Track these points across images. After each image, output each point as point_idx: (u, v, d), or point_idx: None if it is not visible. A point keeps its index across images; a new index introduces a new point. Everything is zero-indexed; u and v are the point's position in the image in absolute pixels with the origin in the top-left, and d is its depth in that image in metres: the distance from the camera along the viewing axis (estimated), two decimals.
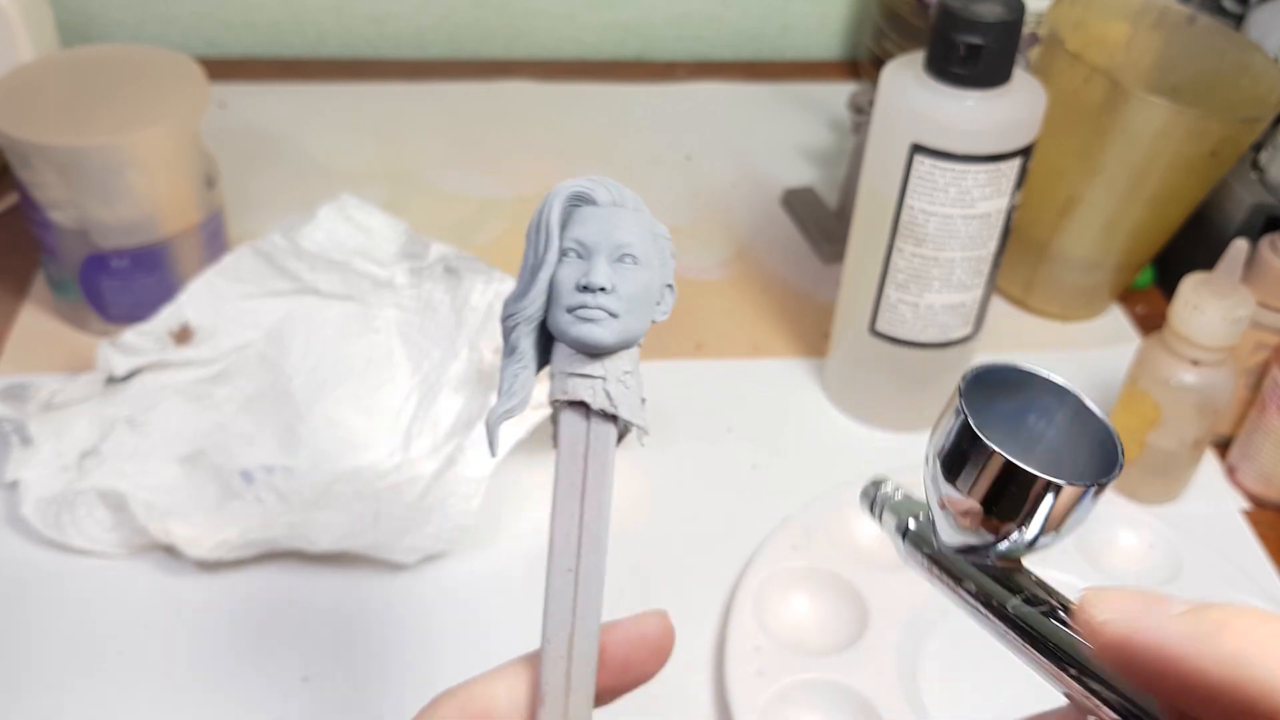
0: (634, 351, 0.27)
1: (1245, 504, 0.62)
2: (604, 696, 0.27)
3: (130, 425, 0.57)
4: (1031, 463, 0.24)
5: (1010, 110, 0.54)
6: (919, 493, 0.28)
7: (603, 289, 0.26)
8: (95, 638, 0.51)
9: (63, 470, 0.56)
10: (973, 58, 0.52)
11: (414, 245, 0.63)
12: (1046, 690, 0.57)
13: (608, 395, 0.27)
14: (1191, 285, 0.56)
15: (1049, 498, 0.23)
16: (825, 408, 0.66)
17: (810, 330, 0.70)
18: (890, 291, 0.59)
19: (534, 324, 0.27)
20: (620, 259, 0.27)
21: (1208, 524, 0.60)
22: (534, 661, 0.27)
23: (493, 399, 0.56)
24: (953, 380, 0.64)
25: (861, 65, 0.97)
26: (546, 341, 0.28)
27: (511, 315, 0.27)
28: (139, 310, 0.63)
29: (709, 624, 0.53)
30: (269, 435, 0.58)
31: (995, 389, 0.25)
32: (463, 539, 0.55)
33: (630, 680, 0.27)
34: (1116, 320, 0.74)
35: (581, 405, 0.27)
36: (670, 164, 0.85)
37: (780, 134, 0.88)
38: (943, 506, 0.25)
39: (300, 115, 0.86)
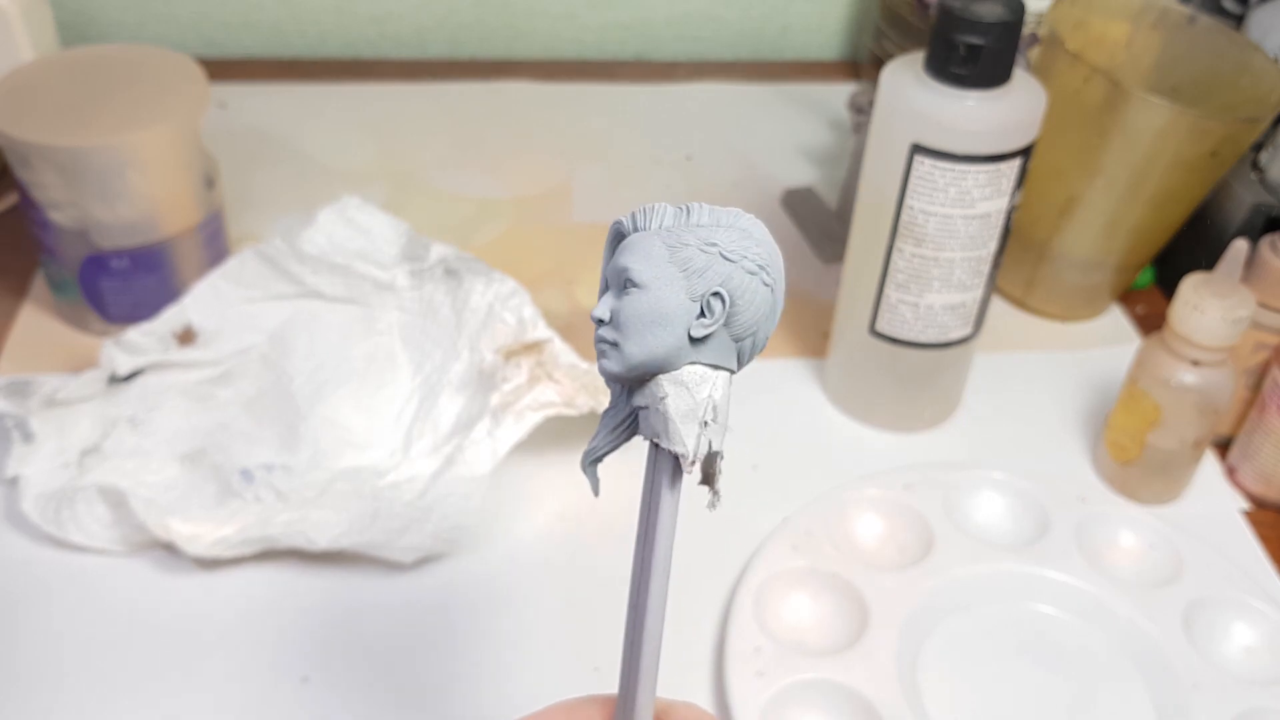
0: (681, 373, 0.26)
1: (1245, 504, 0.62)
2: None
3: (132, 424, 0.57)
4: None
5: (1010, 110, 0.54)
6: None
7: (601, 320, 0.26)
8: (93, 635, 0.51)
9: (64, 467, 0.56)
10: (973, 58, 0.53)
11: (415, 247, 0.63)
12: (1046, 689, 0.56)
13: (647, 423, 0.26)
14: (1191, 285, 0.56)
15: None
16: (825, 408, 0.66)
17: (810, 330, 0.70)
18: (890, 292, 0.59)
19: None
20: (623, 286, 0.26)
21: (1208, 524, 0.60)
22: (601, 702, 0.29)
23: (494, 398, 0.56)
24: (953, 380, 0.64)
25: (861, 65, 0.96)
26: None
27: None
28: (139, 310, 0.63)
29: (709, 624, 0.53)
30: (270, 434, 0.58)
31: None
32: (462, 539, 0.55)
33: None
34: (1116, 320, 0.74)
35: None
36: (670, 164, 0.85)
37: (780, 134, 0.88)
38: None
39: (300, 115, 0.86)
